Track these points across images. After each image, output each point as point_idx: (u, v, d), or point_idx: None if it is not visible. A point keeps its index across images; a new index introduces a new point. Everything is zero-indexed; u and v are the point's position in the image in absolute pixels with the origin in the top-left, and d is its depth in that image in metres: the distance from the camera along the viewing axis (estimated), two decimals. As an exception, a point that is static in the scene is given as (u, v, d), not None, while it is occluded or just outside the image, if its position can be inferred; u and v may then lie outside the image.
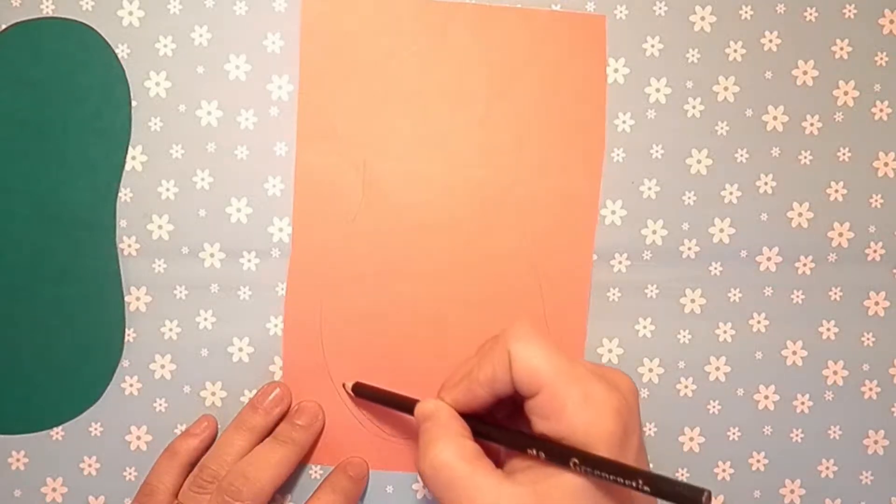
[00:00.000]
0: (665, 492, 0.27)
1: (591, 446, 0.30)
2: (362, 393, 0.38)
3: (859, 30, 0.39)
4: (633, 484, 0.28)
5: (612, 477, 0.28)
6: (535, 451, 0.31)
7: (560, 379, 0.31)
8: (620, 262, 0.39)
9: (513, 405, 0.35)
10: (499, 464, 0.32)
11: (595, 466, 0.29)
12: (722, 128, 0.39)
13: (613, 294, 0.40)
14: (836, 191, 0.40)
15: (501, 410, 0.35)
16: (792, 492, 0.40)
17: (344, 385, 0.39)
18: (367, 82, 0.39)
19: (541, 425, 0.31)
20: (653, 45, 0.39)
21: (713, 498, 0.40)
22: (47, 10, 0.38)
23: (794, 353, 0.40)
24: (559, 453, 0.30)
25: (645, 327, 0.40)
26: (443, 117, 0.39)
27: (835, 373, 0.40)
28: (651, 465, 0.39)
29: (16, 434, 0.39)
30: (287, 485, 0.38)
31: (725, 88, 0.39)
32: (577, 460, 0.29)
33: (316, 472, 0.39)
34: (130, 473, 0.39)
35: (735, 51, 0.39)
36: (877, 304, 0.40)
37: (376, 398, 0.38)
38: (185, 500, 0.36)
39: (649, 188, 0.39)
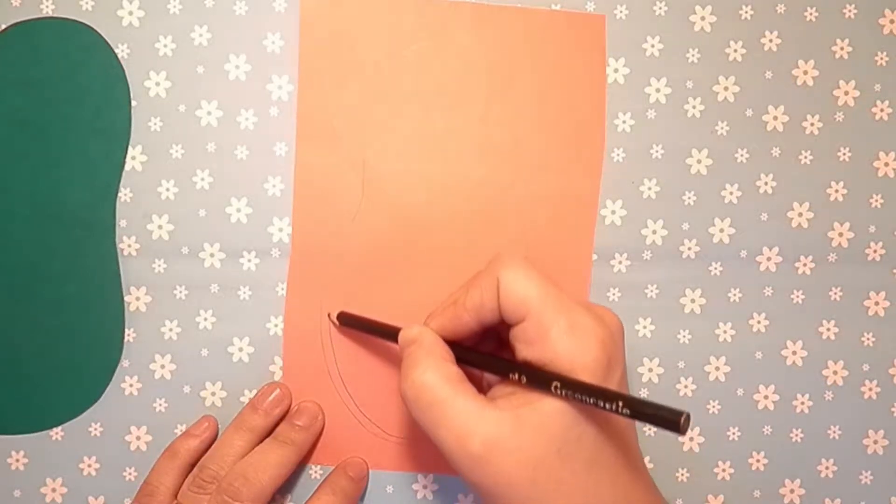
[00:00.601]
0: (645, 414, 0.28)
1: (573, 373, 0.30)
2: (347, 322, 0.38)
3: (859, 30, 0.39)
4: (614, 407, 0.28)
5: (592, 400, 0.29)
6: (516, 376, 0.31)
7: (547, 306, 0.31)
8: (620, 262, 0.39)
9: (497, 341, 0.35)
10: (481, 393, 0.32)
11: (576, 390, 0.29)
12: (722, 128, 0.39)
13: (613, 294, 0.40)
14: (836, 191, 0.40)
15: (485, 346, 0.35)
16: (792, 491, 0.40)
17: (329, 315, 0.39)
18: (366, 82, 0.39)
19: (525, 351, 0.31)
20: (653, 45, 0.39)
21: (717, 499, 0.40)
22: (47, 10, 0.38)
23: (794, 353, 0.40)
24: (541, 378, 0.30)
25: (645, 327, 0.40)
26: (442, 117, 0.39)
27: (835, 373, 0.40)
28: (651, 465, 0.40)
29: (16, 434, 0.39)
30: (287, 485, 0.38)
31: (725, 88, 0.39)
32: (558, 384, 0.29)
33: (316, 472, 0.39)
34: (130, 473, 0.39)
35: (735, 51, 0.39)
36: (877, 304, 0.40)
37: (361, 326, 0.38)
38: (184, 500, 0.36)
39: (649, 188, 0.39)
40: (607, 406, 0.28)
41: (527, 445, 0.30)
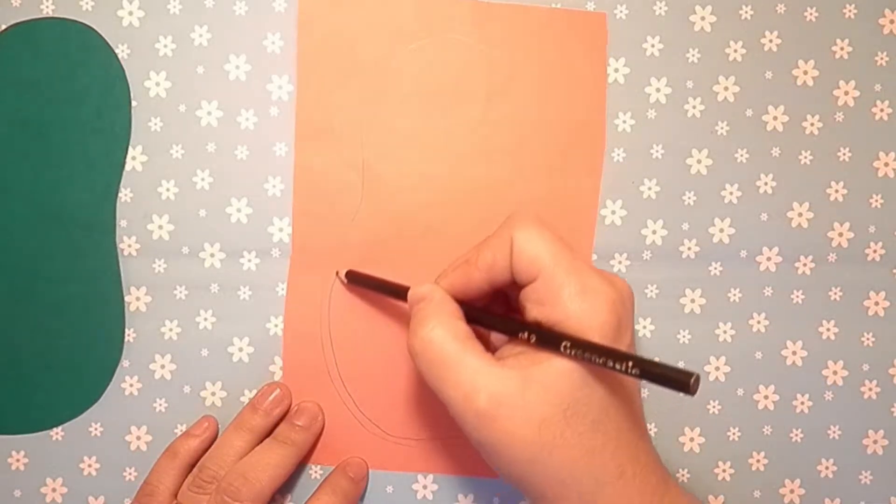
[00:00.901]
0: (654, 374, 0.27)
1: (583, 334, 0.30)
2: (356, 280, 0.38)
3: (859, 30, 0.39)
4: (623, 367, 0.28)
5: (601, 360, 0.28)
6: (526, 335, 0.31)
7: (559, 267, 0.31)
8: (620, 262, 0.39)
9: (506, 306, 0.35)
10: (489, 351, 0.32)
11: (586, 350, 0.29)
12: (722, 128, 0.39)
13: (613, 294, 0.39)
14: (836, 191, 0.40)
15: (494, 310, 0.35)
16: (792, 491, 0.40)
17: (337, 273, 0.39)
18: (365, 81, 0.39)
19: (535, 311, 0.31)
20: (653, 45, 0.39)
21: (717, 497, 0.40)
22: (47, 10, 0.38)
23: (794, 353, 0.40)
24: (550, 337, 0.30)
25: (645, 327, 0.40)
26: (442, 116, 0.39)
27: (835, 373, 0.40)
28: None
29: (16, 434, 0.39)
30: (287, 485, 0.38)
31: (725, 88, 0.39)
32: (568, 343, 0.29)
33: (316, 472, 0.39)
34: (130, 473, 0.39)
35: (735, 51, 0.39)
36: (877, 304, 0.40)
37: (370, 285, 0.38)
38: (184, 500, 0.36)
39: (649, 188, 0.39)
40: (617, 366, 0.28)
41: (533, 404, 0.30)
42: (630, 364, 0.28)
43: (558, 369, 0.30)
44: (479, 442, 0.31)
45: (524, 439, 0.30)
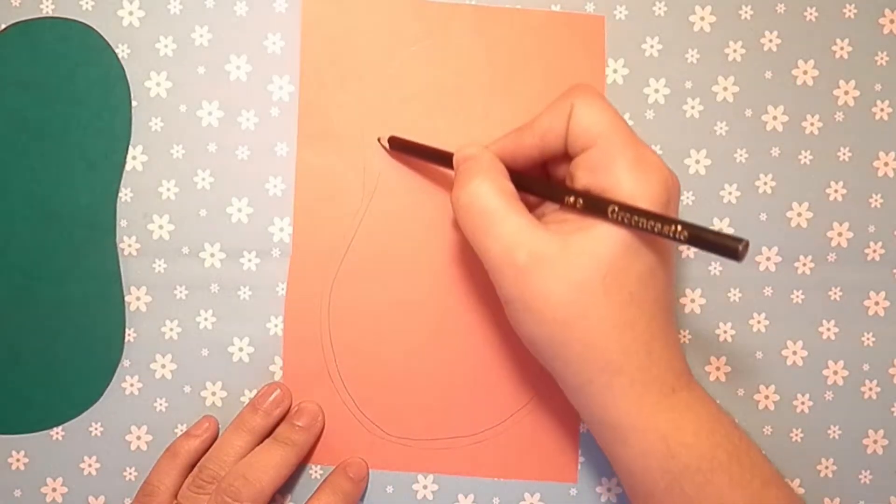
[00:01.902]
0: (703, 240, 0.27)
1: (633, 203, 0.30)
2: (398, 146, 0.38)
3: (859, 29, 0.39)
4: (672, 231, 0.28)
5: (649, 224, 0.28)
6: (573, 199, 0.31)
7: (617, 137, 0.31)
8: (620, 262, 0.39)
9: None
10: None
11: (633, 213, 0.29)
12: (721, 128, 0.39)
13: (613, 294, 0.39)
14: (836, 191, 0.40)
15: None
16: (792, 492, 0.40)
17: (379, 139, 0.38)
18: (367, 83, 0.39)
19: (585, 179, 0.31)
20: (652, 46, 0.39)
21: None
22: (47, 10, 0.38)
23: (794, 353, 0.40)
24: (598, 203, 0.30)
25: (645, 327, 0.40)
26: (442, 117, 0.39)
27: (835, 373, 0.40)
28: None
29: (16, 434, 0.39)
30: (287, 485, 0.38)
31: (725, 88, 0.39)
32: (615, 207, 0.29)
33: (316, 472, 0.39)
34: (130, 473, 0.39)
35: (735, 51, 0.39)
36: (877, 304, 0.40)
37: (412, 150, 0.38)
38: (184, 500, 0.36)
39: (649, 188, 0.39)
40: (665, 229, 0.28)
41: (574, 266, 0.30)
42: (678, 228, 0.27)
43: (602, 235, 0.30)
44: (512, 298, 0.31)
45: (559, 300, 0.30)
